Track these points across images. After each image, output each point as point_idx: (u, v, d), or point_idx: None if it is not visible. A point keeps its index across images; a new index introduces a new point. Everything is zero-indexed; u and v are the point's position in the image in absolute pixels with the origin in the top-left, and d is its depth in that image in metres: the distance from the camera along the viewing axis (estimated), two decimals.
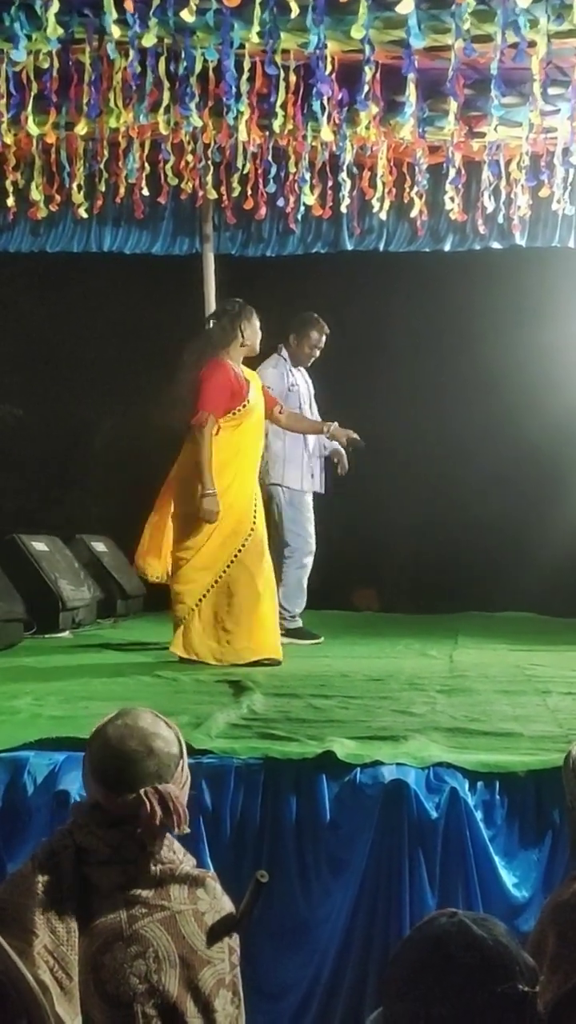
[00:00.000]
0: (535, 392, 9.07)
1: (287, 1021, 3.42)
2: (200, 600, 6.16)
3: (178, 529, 6.29)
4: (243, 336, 6.37)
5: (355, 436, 6.89)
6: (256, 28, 5.49)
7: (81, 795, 3.30)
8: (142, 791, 2.44)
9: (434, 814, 3.43)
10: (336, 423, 6.92)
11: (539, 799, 3.53)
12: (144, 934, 2.37)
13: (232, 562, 6.18)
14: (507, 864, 3.44)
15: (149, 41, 5.67)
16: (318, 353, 7.43)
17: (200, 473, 6.13)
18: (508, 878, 3.41)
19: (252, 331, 6.42)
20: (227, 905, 2.50)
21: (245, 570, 6.20)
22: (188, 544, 6.19)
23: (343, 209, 7.98)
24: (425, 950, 1.92)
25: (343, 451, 7.32)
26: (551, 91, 6.03)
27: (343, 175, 7.63)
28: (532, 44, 5.72)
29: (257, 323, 6.46)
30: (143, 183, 7.83)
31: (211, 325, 6.52)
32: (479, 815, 3.48)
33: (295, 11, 5.23)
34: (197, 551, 6.17)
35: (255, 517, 6.32)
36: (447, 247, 8.71)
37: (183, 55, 6.12)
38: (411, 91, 5.92)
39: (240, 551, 6.19)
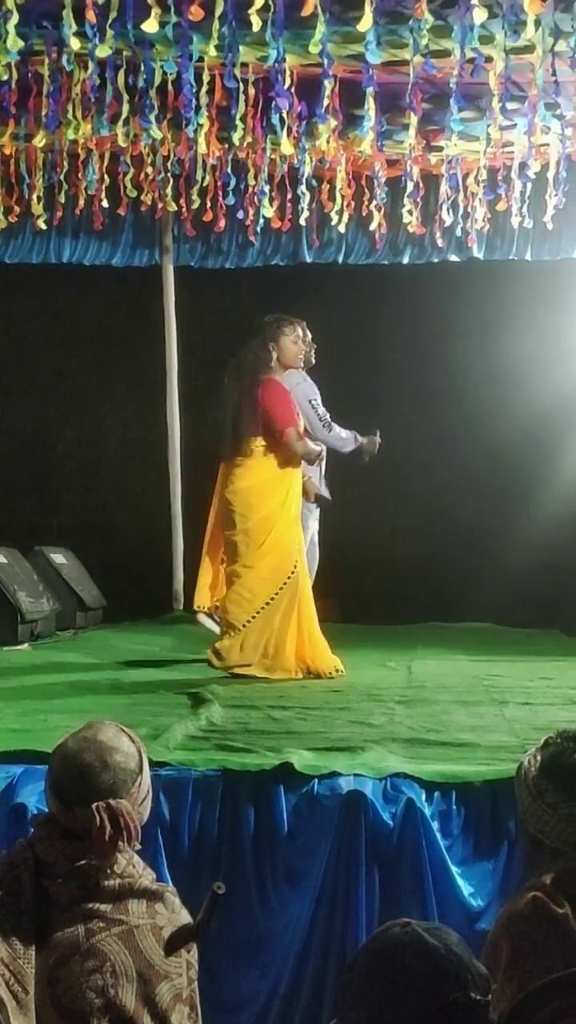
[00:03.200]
0: (494, 403, 9.13)
1: None
2: (252, 619, 6.12)
3: (233, 549, 6.25)
4: (273, 356, 6.26)
5: (325, 496, 6.82)
6: (215, 41, 5.50)
7: (39, 808, 3.29)
8: (93, 806, 2.44)
9: (391, 824, 3.45)
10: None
11: (495, 809, 3.56)
12: (101, 948, 2.36)
13: (284, 585, 6.16)
14: (463, 873, 3.46)
15: (104, 52, 5.66)
16: (310, 350, 6.70)
17: (309, 456, 6.22)
18: (464, 887, 3.43)
19: (283, 350, 6.29)
20: (186, 919, 2.50)
21: (293, 594, 6.18)
22: (244, 563, 6.18)
23: (302, 222, 8.01)
24: (378, 959, 1.94)
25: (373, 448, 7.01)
26: (509, 106, 6.08)
27: (302, 188, 7.67)
28: (489, 59, 5.77)
29: (290, 338, 6.31)
30: (102, 195, 7.83)
31: (245, 347, 6.38)
32: (436, 825, 3.49)
33: (255, 25, 5.25)
34: (251, 569, 6.17)
35: (300, 543, 6.31)
36: (406, 260, 8.78)
37: (142, 67, 6.13)
38: (370, 105, 5.96)
39: (291, 575, 6.18)
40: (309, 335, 6.46)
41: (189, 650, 7.22)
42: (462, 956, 1.94)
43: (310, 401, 6.69)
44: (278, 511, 6.24)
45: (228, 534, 6.28)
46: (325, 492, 7.06)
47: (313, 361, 6.63)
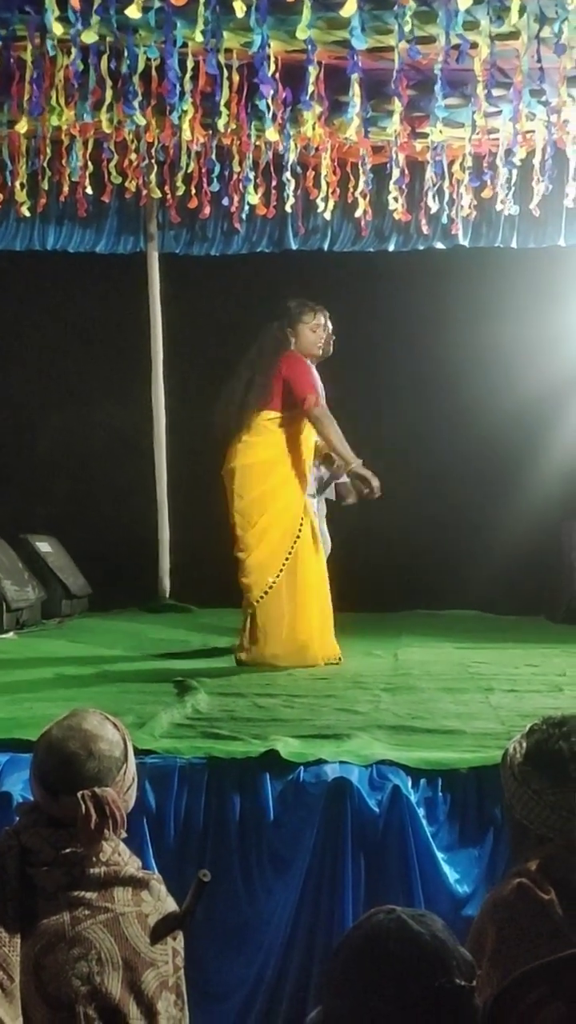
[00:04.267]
0: (480, 392, 9.13)
1: (231, 1021, 3.42)
2: (264, 594, 6.09)
3: (232, 532, 6.16)
4: (291, 342, 6.20)
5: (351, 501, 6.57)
6: (200, 27, 5.48)
7: (24, 796, 3.29)
8: (79, 794, 2.43)
9: (376, 811, 3.45)
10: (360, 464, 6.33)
11: (481, 796, 3.56)
12: (87, 936, 2.36)
13: (283, 566, 6.12)
14: (449, 860, 3.47)
15: (89, 38, 5.64)
16: (328, 340, 6.38)
17: (338, 450, 6.12)
18: (450, 874, 3.43)
19: (300, 336, 6.22)
20: (171, 907, 2.50)
21: (297, 570, 6.16)
22: (240, 548, 6.12)
23: (287, 208, 7.99)
24: (363, 946, 1.94)
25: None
26: (494, 92, 6.06)
27: (287, 175, 7.64)
28: (474, 46, 5.76)
29: (309, 325, 6.22)
30: (87, 181, 7.80)
31: (267, 329, 6.31)
32: (421, 812, 3.50)
33: (239, 11, 5.23)
34: (257, 545, 6.11)
35: (302, 522, 6.22)
36: (391, 247, 8.76)
37: (126, 53, 6.10)
38: (355, 91, 5.94)
39: (289, 555, 6.14)
40: (330, 325, 6.33)
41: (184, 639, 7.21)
42: (447, 942, 1.95)
43: None
44: (277, 491, 6.17)
45: (229, 514, 6.22)
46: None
47: (331, 351, 6.40)
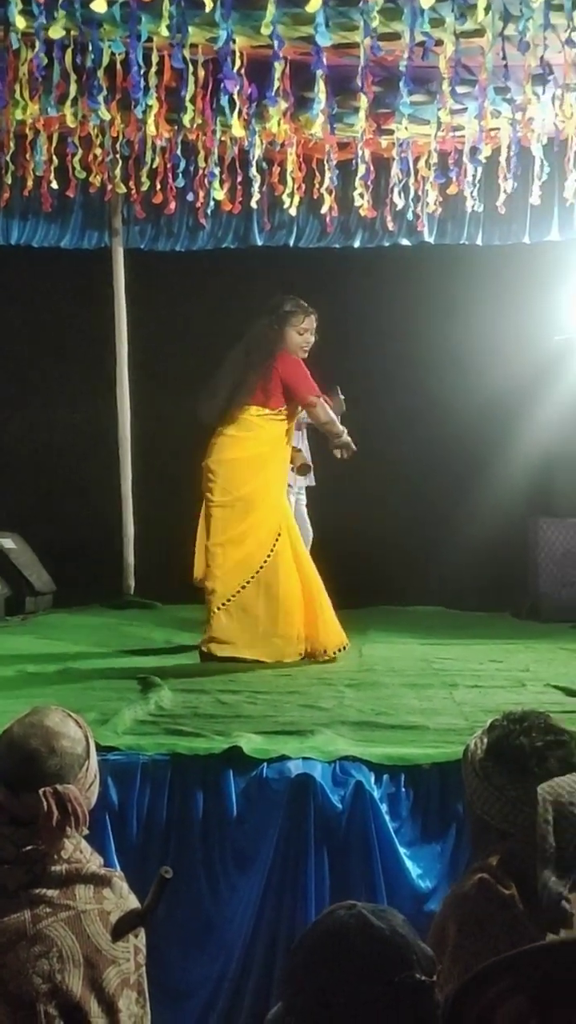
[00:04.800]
0: (446, 388, 9.14)
1: (194, 1019, 3.43)
2: (232, 597, 6.07)
3: (211, 523, 6.15)
4: (286, 341, 6.25)
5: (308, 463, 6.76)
6: (164, 22, 5.46)
7: None
8: (40, 791, 2.42)
9: (340, 807, 3.46)
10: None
11: (443, 791, 3.58)
12: (48, 934, 2.35)
13: (266, 560, 6.12)
14: (412, 855, 3.48)
15: (56, 33, 5.61)
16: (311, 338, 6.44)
17: (332, 426, 6.25)
18: (413, 869, 3.45)
19: (288, 336, 6.25)
20: (133, 904, 2.49)
21: (281, 567, 6.15)
22: (219, 541, 6.11)
23: (253, 204, 7.97)
24: (323, 942, 1.94)
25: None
26: (459, 90, 6.07)
27: (253, 170, 7.63)
28: (439, 43, 5.76)
29: (295, 329, 6.26)
30: (51, 176, 7.75)
31: (257, 325, 6.34)
32: (384, 808, 3.51)
33: (205, 6, 5.21)
34: (234, 545, 6.11)
35: (278, 537, 6.23)
36: (357, 243, 8.76)
37: (90, 47, 6.06)
38: (320, 87, 5.93)
39: (272, 550, 6.14)
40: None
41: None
42: (407, 937, 1.95)
43: None
44: (265, 488, 6.19)
45: (208, 506, 6.18)
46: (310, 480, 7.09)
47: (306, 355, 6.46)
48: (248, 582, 6.08)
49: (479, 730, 2.68)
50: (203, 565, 6.29)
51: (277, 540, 6.16)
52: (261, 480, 6.18)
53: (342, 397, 6.98)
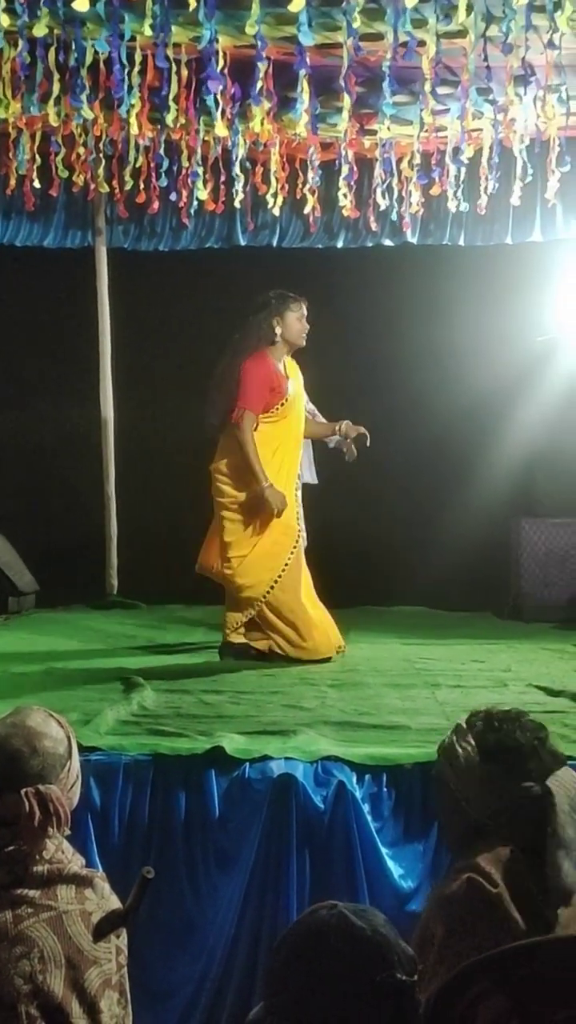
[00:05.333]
0: (429, 389, 9.15)
1: (175, 1020, 3.42)
2: (267, 593, 6.08)
3: (228, 522, 6.14)
4: (277, 332, 6.21)
5: (363, 431, 6.65)
6: (148, 20, 5.45)
7: None
8: (22, 791, 2.42)
9: (322, 807, 3.46)
10: (347, 422, 6.64)
11: (425, 791, 3.58)
12: (30, 934, 2.35)
13: (288, 561, 6.14)
14: (394, 855, 3.49)
15: (40, 31, 5.59)
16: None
17: (252, 470, 6.06)
18: (395, 869, 3.45)
19: (287, 325, 6.23)
20: (115, 905, 2.50)
21: (300, 567, 6.19)
22: (242, 536, 6.11)
23: (236, 204, 7.97)
24: (304, 942, 1.94)
25: (351, 441, 6.94)
26: (441, 90, 6.07)
27: (236, 170, 7.62)
28: (422, 43, 5.77)
29: (296, 315, 6.24)
30: (34, 175, 7.73)
31: (250, 320, 6.31)
32: (366, 807, 3.52)
33: (192, 5, 5.20)
34: (253, 542, 6.11)
35: (299, 516, 6.31)
36: (340, 244, 8.76)
37: (73, 46, 6.05)
38: (303, 87, 5.93)
39: (294, 550, 6.18)
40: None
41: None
42: (388, 937, 1.95)
43: None
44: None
45: (219, 508, 6.19)
46: (310, 477, 7.08)
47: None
48: (278, 578, 6.11)
49: (453, 734, 2.68)
50: (212, 558, 6.33)
51: (298, 536, 6.23)
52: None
53: (354, 450, 6.79)
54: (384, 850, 3.46)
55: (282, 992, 1.92)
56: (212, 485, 6.21)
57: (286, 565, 6.13)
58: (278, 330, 6.22)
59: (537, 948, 2.16)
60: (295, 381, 6.36)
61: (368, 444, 6.61)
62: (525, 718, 2.65)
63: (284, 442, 6.31)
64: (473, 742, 2.60)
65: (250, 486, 6.10)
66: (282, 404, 6.26)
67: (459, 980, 2.03)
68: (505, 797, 2.53)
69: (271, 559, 6.12)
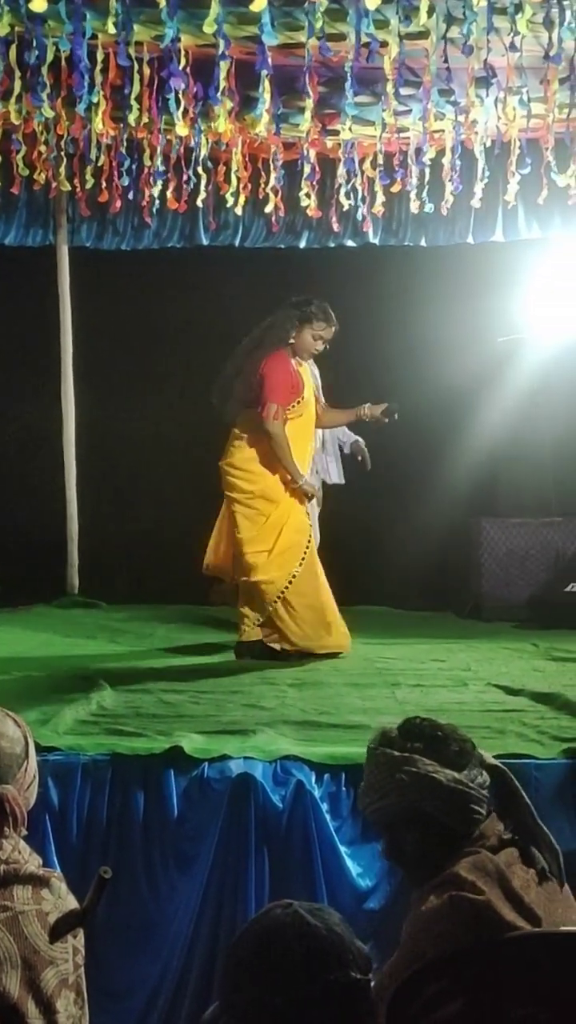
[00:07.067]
0: (390, 390, 9.15)
1: (133, 1020, 3.41)
2: (284, 590, 6.10)
3: (240, 518, 6.18)
4: (294, 338, 6.31)
5: (386, 406, 6.78)
6: (111, 18, 5.43)
7: None
8: None
9: (280, 806, 3.46)
10: (367, 404, 6.78)
11: None
12: None
13: (303, 558, 6.17)
14: (352, 854, 3.49)
15: (2, 30, 5.56)
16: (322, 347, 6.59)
17: (285, 465, 6.15)
18: (353, 868, 3.46)
19: (301, 338, 6.34)
20: (72, 905, 2.48)
21: (315, 564, 6.24)
22: (255, 532, 6.14)
23: (199, 203, 7.95)
24: (260, 941, 1.95)
25: (364, 449, 7.24)
26: (403, 91, 6.09)
27: (199, 169, 7.60)
28: (384, 45, 5.78)
29: (315, 334, 6.36)
30: None
31: (279, 313, 6.39)
32: (325, 807, 3.52)
33: (155, 4, 5.19)
34: (268, 538, 6.14)
35: (310, 514, 6.37)
36: (303, 243, 8.76)
37: (35, 44, 6.01)
38: (265, 87, 5.93)
39: (307, 548, 6.22)
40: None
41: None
42: (343, 936, 1.96)
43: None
44: (283, 482, 6.23)
45: (230, 504, 6.23)
46: (338, 478, 7.09)
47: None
48: (295, 576, 6.13)
49: (381, 759, 2.65)
50: (222, 557, 6.37)
51: (311, 534, 6.31)
52: (280, 474, 6.22)
53: (385, 420, 6.89)
54: (343, 849, 3.47)
55: (238, 991, 1.92)
56: (222, 480, 6.24)
57: (301, 562, 6.16)
58: (292, 334, 6.31)
59: (497, 947, 2.17)
60: (307, 380, 6.46)
61: (396, 417, 6.76)
62: (445, 723, 2.68)
63: (297, 439, 6.35)
64: (430, 762, 2.59)
65: (256, 482, 6.16)
66: (299, 401, 6.34)
67: (417, 979, 2.04)
68: (472, 797, 2.51)
69: (287, 557, 6.16)
